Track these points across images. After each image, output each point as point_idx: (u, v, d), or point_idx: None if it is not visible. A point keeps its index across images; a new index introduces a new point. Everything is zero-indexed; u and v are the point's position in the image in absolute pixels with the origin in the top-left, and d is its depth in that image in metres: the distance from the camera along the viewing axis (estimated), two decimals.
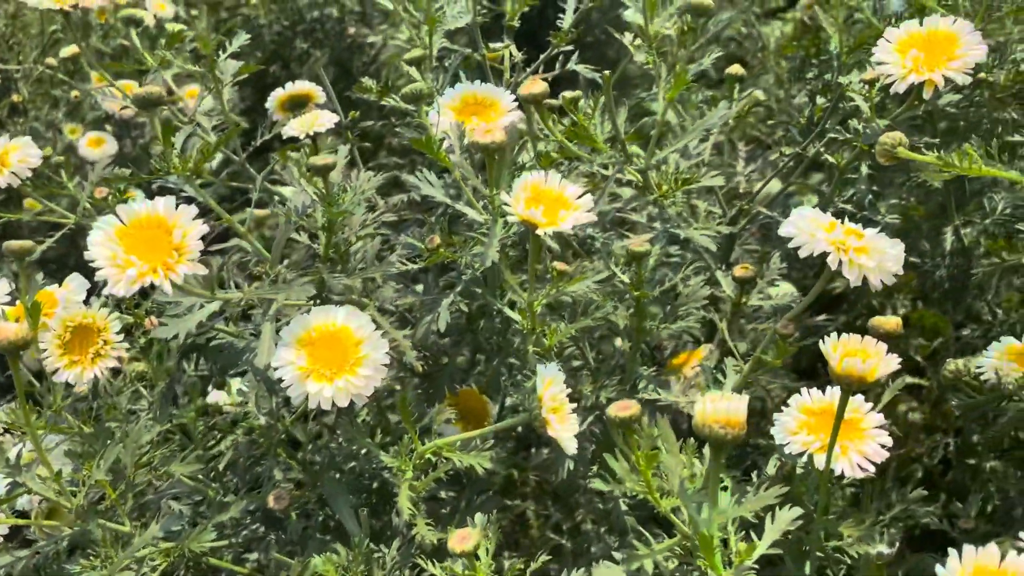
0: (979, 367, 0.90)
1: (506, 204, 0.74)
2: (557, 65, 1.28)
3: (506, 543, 1.31)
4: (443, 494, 1.10)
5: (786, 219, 0.83)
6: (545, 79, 1.25)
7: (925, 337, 1.49)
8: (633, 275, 1.01)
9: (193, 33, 2.72)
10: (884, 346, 0.74)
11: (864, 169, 1.07)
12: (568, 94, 1.02)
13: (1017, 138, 1.01)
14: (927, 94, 0.89)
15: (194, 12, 2.61)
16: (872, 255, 0.80)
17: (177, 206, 0.76)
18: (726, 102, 1.32)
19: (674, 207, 1.04)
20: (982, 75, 1.05)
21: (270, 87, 1.23)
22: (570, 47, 1.27)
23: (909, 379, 1.29)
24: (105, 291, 0.73)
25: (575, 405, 0.81)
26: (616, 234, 1.15)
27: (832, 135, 1.07)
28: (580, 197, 0.77)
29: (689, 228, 1.01)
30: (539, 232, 0.72)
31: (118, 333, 0.94)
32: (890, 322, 0.94)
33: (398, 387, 1.18)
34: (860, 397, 0.83)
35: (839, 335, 0.76)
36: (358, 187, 0.92)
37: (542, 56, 1.24)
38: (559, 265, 0.83)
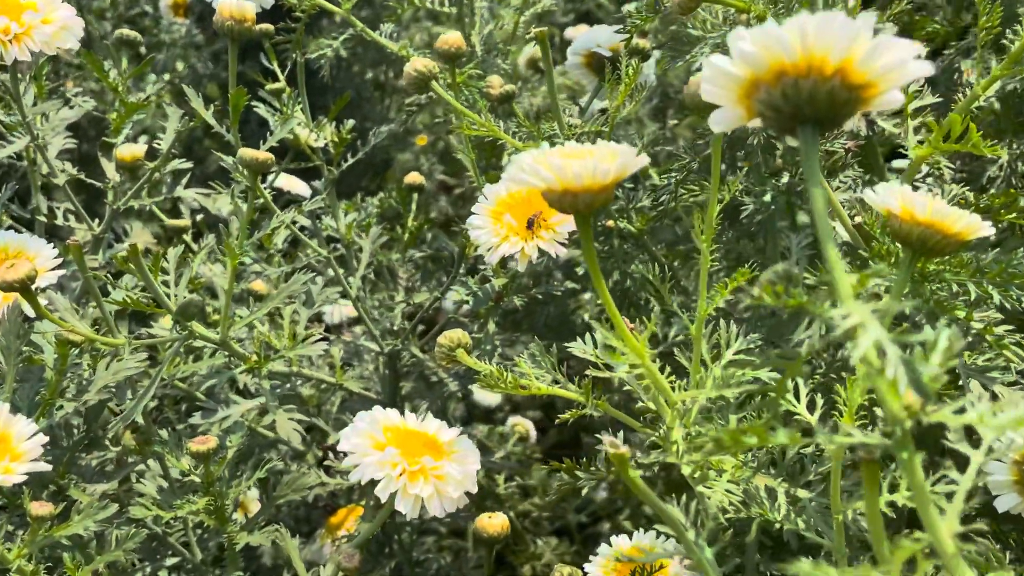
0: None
1: None
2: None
3: None
4: None
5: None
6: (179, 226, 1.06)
7: None
8: (202, 475, 0.83)
9: None
10: None
11: (492, 327, 0.96)
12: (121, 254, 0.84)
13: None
14: (521, 266, 0.78)
15: None
16: (430, 480, 0.67)
17: None
18: (376, 228, 1.19)
19: (267, 380, 0.87)
20: (611, 223, 0.97)
21: None
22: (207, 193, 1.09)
23: None
24: None
25: None
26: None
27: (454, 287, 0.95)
28: (31, 438, 0.58)
29: (277, 411, 0.84)
30: None
31: None
32: (494, 525, 0.82)
33: None
34: None
35: None
36: None
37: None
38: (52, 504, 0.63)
